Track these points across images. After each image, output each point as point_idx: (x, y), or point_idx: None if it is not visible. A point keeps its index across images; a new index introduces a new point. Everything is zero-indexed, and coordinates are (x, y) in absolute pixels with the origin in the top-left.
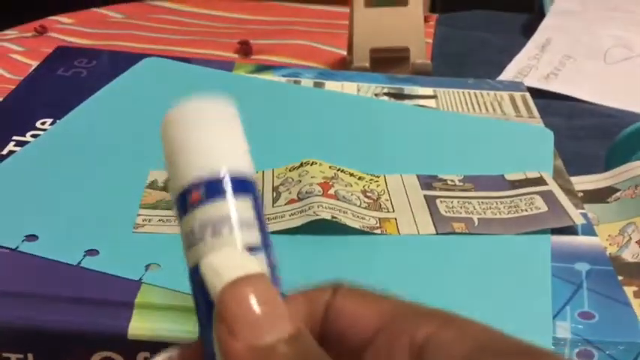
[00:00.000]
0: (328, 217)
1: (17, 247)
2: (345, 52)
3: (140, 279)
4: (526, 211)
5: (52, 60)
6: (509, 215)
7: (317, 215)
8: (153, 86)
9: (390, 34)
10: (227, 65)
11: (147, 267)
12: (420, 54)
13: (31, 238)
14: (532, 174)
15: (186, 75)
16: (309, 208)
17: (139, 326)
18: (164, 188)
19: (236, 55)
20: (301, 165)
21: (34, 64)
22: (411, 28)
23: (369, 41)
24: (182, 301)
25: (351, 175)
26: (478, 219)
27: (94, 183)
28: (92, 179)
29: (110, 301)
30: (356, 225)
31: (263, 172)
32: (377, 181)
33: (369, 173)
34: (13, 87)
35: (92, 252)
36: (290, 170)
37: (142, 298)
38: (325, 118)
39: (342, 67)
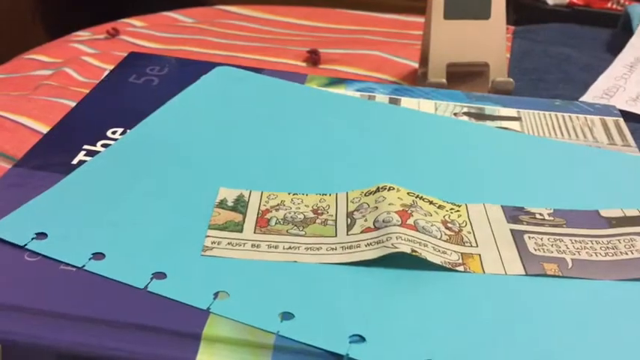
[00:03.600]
0: (408, 250)
1: (84, 266)
2: (416, 65)
3: (208, 308)
4: (626, 254)
5: (124, 66)
6: (607, 258)
7: (395, 248)
8: (225, 97)
9: (469, 49)
10: (299, 77)
11: (215, 295)
12: (501, 71)
13: (98, 256)
14: (631, 211)
15: (258, 86)
16: (386, 239)
17: None
18: (234, 208)
19: (304, 64)
20: (378, 190)
21: (105, 66)
22: (493, 42)
23: (447, 55)
24: (251, 335)
25: (431, 203)
26: (572, 260)
27: (162, 198)
28: (161, 194)
29: (176, 331)
30: (437, 260)
31: (336, 195)
32: (458, 211)
33: (450, 202)
34: (84, 90)
35: (159, 275)
36: (365, 195)
37: (210, 330)
38: (402, 138)
39: (414, 80)
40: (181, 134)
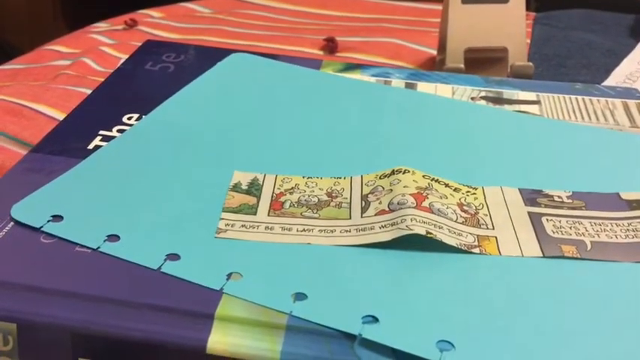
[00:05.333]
0: (422, 232)
1: (99, 247)
2: (434, 52)
3: (221, 289)
4: None
5: (141, 54)
6: (628, 240)
7: (410, 230)
8: (240, 83)
9: (487, 34)
10: (314, 63)
11: (228, 276)
12: (520, 55)
13: (113, 238)
14: None
15: (273, 72)
16: (401, 221)
17: (219, 340)
18: (248, 191)
19: (321, 52)
20: (393, 173)
21: (123, 56)
22: (512, 27)
23: (465, 40)
24: (264, 316)
25: (447, 185)
26: (591, 242)
27: (177, 182)
28: (175, 178)
29: (189, 311)
30: (452, 242)
31: (351, 177)
32: (474, 194)
33: (466, 185)
34: (101, 79)
35: (173, 256)
36: (380, 178)
37: (223, 310)
38: (418, 122)
39: (432, 67)
40: (196, 119)
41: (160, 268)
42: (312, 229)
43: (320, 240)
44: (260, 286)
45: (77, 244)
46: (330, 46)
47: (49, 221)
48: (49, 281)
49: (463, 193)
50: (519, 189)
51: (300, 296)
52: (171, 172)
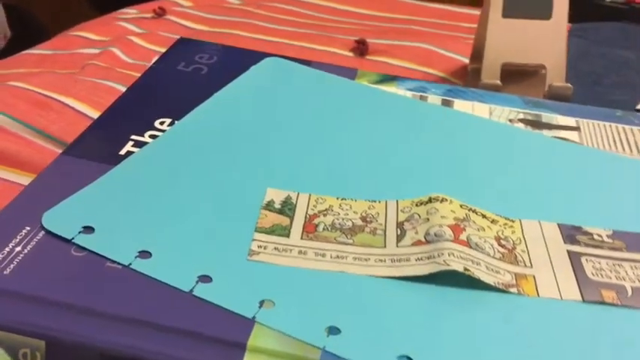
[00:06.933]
0: (460, 268)
1: (130, 264)
2: (467, 60)
3: (253, 317)
4: None
5: (173, 53)
6: None
7: (447, 265)
8: (274, 90)
9: (526, 50)
10: (349, 72)
11: (261, 303)
12: (559, 75)
13: (145, 254)
14: None
15: (308, 80)
16: (438, 255)
17: None
18: (281, 211)
19: (351, 54)
20: (430, 200)
21: (152, 47)
22: (552, 44)
23: (503, 55)
24: (297, 349)
25: (484, 216)
26: (632, 288)
27: (209, 194)
28: (208, 190)
29: (221, 339)
30: (490, 281)
31: (386, 202)
32: (512, 227)
33: (504, 216)
34: (130, 71)
35: (205, 278)
36: (417, 205)
37: (255, 340)
38: (455, 144)
39: (464, 75)
40: (229, 128)
41: (192, 290)
42: (346, 257)
43: (354, 269)
44: (293, 317)
45: (108, 259)
46: (361, 49)
47: (80, 232)
48: (79, 298)
49: (500, 226)
50: (558, 224)
51: (333, 330)
52: (203, 184)
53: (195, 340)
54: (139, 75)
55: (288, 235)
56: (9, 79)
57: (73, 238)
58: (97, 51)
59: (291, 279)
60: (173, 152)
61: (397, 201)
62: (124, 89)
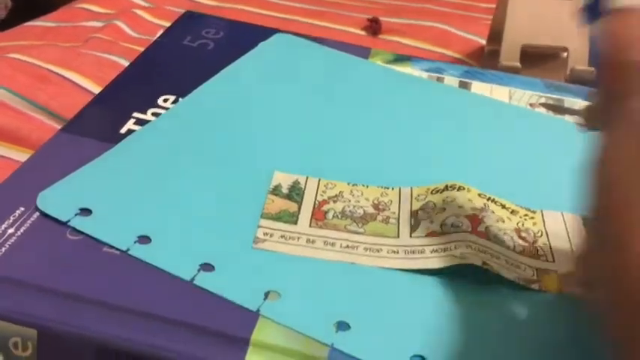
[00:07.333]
0: (479, 262)
1: (128, 250)
2: (484, 42)
3: (258, 310)
4: None
5: (179, 27)
6: None
7: (464, 259)
8: (283, 68)
9: (548, 31)
10: (362, 51)
11: (266, 295)
12: (581, 58)
13: (144, 239)
14: None
15: (319, 58)
16: (454, 247)
17: None
18: (288, 196)
19: (364, 33)
20: (446, 188)
21: (158, 22)
22: (575, 25)
23: (523, 36)
24: (304, 346)
25: (503, 207)
26: None
27: (212, 178)
28: (211, 173)
29: (223, 333)
30: (510, 276)
31: (400, 189)
32: (533, 218)
33: (524, 207)
34: (134, 46)
35: (207, 267)
36: (432, 193)
37: (259, 334)
38: (471, 127)
39: (480, 58)
40: (235, 107)
41: (193, 279)
42: (357, 247)
43: (365, 260)
44: (300, 310)
45: (106, 244)
46: (374, 27)
47: (76, 215)
48: (75, 286)
49: (521, 217)
50: (582, 215)
51: (342, 325)
52: (206, 167)
53: (196, 333)
54: (143, 49)
55: (295, 222)
56: (9, 51)
57: (68, 221)
58: (101, 24)
59: (298, 269)
60: (176, 132)
61: (411, 188)
62: (127, 64)
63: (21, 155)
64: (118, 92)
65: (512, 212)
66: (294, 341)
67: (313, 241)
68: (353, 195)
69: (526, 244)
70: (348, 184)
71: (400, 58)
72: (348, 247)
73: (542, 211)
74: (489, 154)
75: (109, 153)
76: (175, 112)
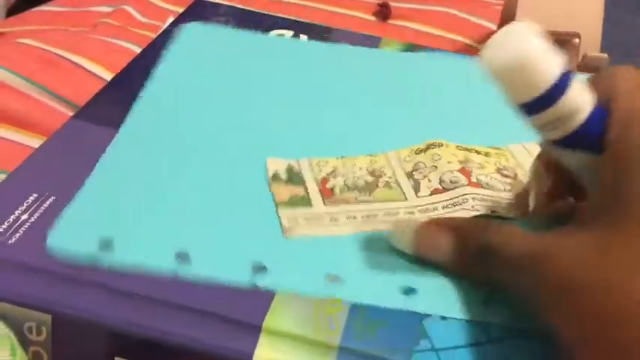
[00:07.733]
0: (488, 211)
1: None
2: (495, 27)
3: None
4: None
5: (189, 14)
6: None
7: (476, 210)
8: (207, 58)
9: (560, 16)
10: (372, 40)
11: (327, 277)
12: (594, 44)
13: (183, 256)
14: None
15: (234, 42)
16: (462, 201)
17: (266, 356)
18: (290, 180)
19: (373, 18)
20: (428, 147)
21: (167, 7)
22: (588, 11)
23: (535, 21)
24: (315, 333)
25: (478, 152)
26: None
27: (202, 178)
28: (198, 173)
29: (234, 320)
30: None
31: (386, 154)
32: (505, 155)
33: (492, 147)
34: (144, 31)
35: (261, 269)
36: (416, 153)
37: (271, 321)
38: (414, 87)
39: None
40: (190, 104)
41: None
42: (377, 214)
43: (387, 226)
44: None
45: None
46: (384, 12)
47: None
48: (88, 271)
49: (494, 157)
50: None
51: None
52: (191, 167)
53: (207, 318)
54: (153, 35)
55: (310, 205)
56: (18, 36)
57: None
58: (110, 9)
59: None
60: (150, 137)
61: (397, 151)
62: (137, 49)
63: (31, 140)
64: (130, 79)
65: (486, 155)
66: (306, 329)
67: (336, 219)
68: (346, 167)
69: (511, 181)
70: (337, 158)
71: (410, 48)
72: (368, 216)
73: (507, 147)
74: (438, 106)
75: (93, 178)
76: (130, 127)
